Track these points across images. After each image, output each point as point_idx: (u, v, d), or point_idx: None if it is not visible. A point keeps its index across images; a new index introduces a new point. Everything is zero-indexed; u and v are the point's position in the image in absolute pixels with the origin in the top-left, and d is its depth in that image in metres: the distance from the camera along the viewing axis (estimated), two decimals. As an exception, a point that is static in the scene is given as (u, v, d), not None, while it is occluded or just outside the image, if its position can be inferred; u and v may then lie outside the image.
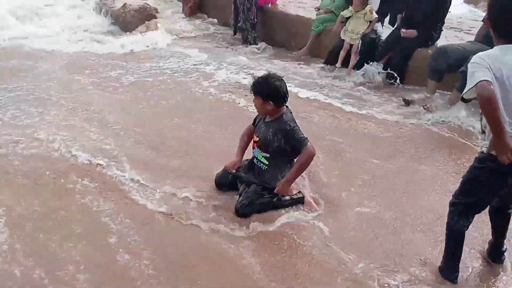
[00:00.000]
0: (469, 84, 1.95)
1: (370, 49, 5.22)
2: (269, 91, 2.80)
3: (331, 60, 5.55)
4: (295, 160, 2.96)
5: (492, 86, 1.90)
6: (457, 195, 2.31)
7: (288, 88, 2.93)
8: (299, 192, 3.02)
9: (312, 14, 6.21)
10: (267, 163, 2.94)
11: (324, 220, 2.87)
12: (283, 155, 2.93)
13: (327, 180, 3.32)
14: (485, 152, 2.11)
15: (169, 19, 7.65)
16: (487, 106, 1.90)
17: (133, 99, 4.65)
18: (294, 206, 2.94)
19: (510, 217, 2.43)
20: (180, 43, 6.64)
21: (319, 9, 6.10)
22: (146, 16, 7.22)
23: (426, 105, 4.37)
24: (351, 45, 5.33)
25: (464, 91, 1.99)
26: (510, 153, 1.93)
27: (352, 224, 2.88)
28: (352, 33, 5.28)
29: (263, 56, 6.16)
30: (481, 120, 2.15)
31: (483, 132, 2.17)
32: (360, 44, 5.24)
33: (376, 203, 3.10)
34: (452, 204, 2.34)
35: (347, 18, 5.37)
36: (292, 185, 3.02)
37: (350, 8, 5.30)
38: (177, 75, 5.34)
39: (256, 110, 3.01)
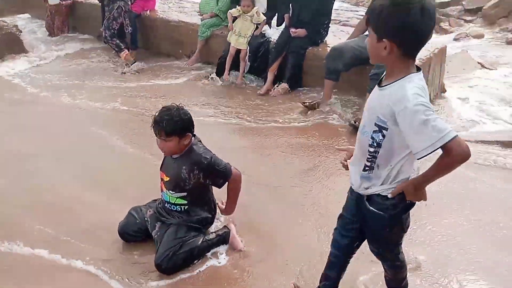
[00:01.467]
0: (435, 140, 1.49)
1: (260, 54, 5.08)
2: (184, 124, 2.44)
3: (222, 71, 5.28)
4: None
5: None
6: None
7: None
8: (225, 226, 2.72)
9: (196, 19, 5.88)
10: (185, 202, 2.58)
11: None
12: (203, 188, 2.61)
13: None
14: (389, 196, 1.74)
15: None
16: (458, 165, 1.57)
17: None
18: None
19: None
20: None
21: (202, 15, 5.80)
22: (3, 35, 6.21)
23: (356, 121, 4.00)
24: (238, 51, 5.12)
25: (427, 150, 1.51)
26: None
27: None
28: (239, 36, 5.07)
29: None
30: (374, 159, 1.71)
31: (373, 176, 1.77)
32: (248, 50, 5.07)
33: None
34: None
35: (235, 19, 5.15)
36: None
37: (238, 7, 5.09)
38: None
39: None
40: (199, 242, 2.55)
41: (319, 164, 3.61)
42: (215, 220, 2.78)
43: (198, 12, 6.13)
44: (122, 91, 5.08)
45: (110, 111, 4.59)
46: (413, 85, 1.55)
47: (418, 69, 1.63)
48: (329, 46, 4.79)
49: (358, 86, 4.47)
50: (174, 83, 5.32)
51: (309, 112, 4.41)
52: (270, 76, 4.92)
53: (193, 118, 2.54)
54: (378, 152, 1.67)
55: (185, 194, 2.56)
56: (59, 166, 3.57)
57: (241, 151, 3.82)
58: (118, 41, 5.84)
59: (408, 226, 1.86)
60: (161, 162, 2.69)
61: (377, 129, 1.64)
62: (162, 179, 2.62)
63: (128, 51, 5.85)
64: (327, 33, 4.89)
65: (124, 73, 5.59)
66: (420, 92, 1.54)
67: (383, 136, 1.63)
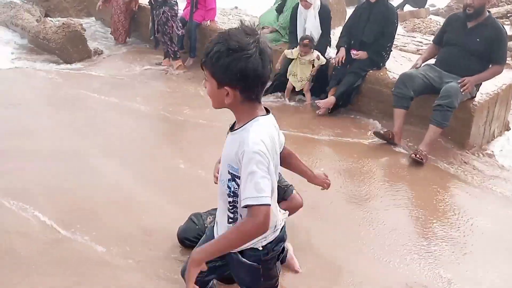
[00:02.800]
0: (251, 195, 1.40)
1: (320, 74, 5.05)
2: None
3: (271, 92, 5.26)
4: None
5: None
6: None
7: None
8: (281, 245, 2.68)
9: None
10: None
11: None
12: None
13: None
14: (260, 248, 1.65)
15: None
16: (255, 233, 1.45)
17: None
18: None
19: None
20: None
21: (263, 28, 5.85)
22: (70, 33, 6.48)
23: (418, 155, 3.85)
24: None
25: (246, 202, 1.41)
26: None
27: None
28: (302, 80, 5.01)
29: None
30: (235, 209, 1.60)
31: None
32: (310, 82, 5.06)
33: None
34: None
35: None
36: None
37: (296, 49, 4.97)
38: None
39: None
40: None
41: (376, 192, 3.53)
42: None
43: (257, 26, 6.20)
44: (174, 97, 5.20)
45: (166, 116, 4.70)
46: (256, 130, 1.46)
47: (268, 111, 1.58)
48: (390, 71, 4.73)
49: (421, 117, 4.32)
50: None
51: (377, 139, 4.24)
52: (330, 99, 4.82)
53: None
54: (237, 202, 1.54)
55: None
56: (121, 166, 3.66)
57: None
58: (176, 49, 6.05)
59: (275, 276, 1.79)
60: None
61: (231, 177, 1.53)
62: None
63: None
64: (388, 57, 4.81)
65: (167, 73, 5.96)
66: (261, 140, 1.43)
67: (237, 184, 1.50)
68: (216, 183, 2.61)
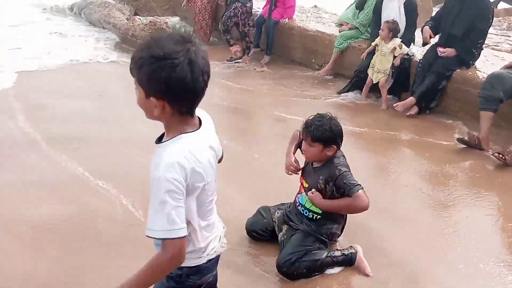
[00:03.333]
0: (163, 228, 1.27)
1: (401, 71, 4.80)
2: (332, 135, 2.39)
3: (349, 89, 5.14)
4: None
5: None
6: None
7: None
8: (351, 247, 2.59)
9: (333, 30, 5.84)
10: (319, 212, 2.50)
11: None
12: None
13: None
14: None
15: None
16: (170, 269, 1.37)
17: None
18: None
19: None
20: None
21: (341, 25, 5.73)
22: (155, 31, 6.83)
23: (501, 155, 3.61)
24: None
25: (154, 234, 1.29)
26: None
27: None
28: (379, 72, 4.81)
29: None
30: None
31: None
32: (389, 78, 4.83)
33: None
34: None
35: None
36: (341, 238, 2.63)
37: (378, 38, 4.81)
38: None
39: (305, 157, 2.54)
40: (324, 255, 2.45)
41: (458, 198, 3.28)
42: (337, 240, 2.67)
43: (335, 23, 6.09)
44: (250, 93, 5.25)
45: (242, 110, 4.77)
46: (173, 151, 1.28)
47: (201, 122, 1.39)
48: (479, 70, 4.39)
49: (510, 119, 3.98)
50: (301, 92, 5.33)
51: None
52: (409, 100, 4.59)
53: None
54: None
55: None
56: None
57: (372, 171, 3.67)
58: (228, 37, 6.22)
59: None
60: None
61: None
62: (302, 184, 2.60)
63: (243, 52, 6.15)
64: (479, 55, 4.46)
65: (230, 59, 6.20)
66: (176, 163, 1.26)
67: None
68: (288, 174, 2.60)
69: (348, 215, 2.61)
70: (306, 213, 2.54)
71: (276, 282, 2.42)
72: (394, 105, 4.61)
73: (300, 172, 2.62)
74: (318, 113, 2.46)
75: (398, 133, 4.32)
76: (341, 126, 2.45)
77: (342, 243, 2.68)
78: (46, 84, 5.32)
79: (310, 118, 2.44)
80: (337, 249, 2.54)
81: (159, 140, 1.38)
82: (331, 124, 2.38)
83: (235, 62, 6.24)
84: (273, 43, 6.23)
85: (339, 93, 5.16)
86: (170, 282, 1.48)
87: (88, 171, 3.37)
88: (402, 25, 4.80)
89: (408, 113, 4.56)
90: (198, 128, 1.36)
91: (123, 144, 3.91)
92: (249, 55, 6.30)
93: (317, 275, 2.45)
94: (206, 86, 1.32)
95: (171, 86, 1.24)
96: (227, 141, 4.03)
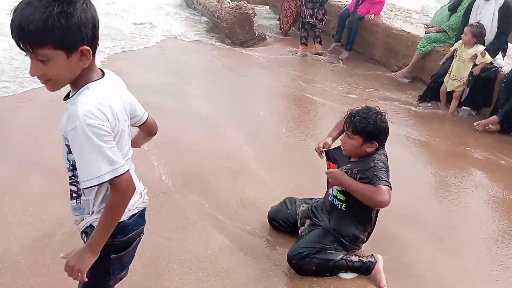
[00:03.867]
0: (104, 172, 1.28)
1: (483, 83, 4.34)
2: (375, 130, 2.24)
3: (427, 97, 4.77)
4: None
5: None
6: None
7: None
8: (372, 255, 2.43)
9: (420, 31, 5.46)
10: (343, 199, 2.36)
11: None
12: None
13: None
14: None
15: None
16: (126, 204, 1.37)
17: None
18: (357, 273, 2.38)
19: None
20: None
21: (429, 27, 5.33)
22: (240, 15, 6.94)
23: None
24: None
25: (92, 182, 1.28)
26: None
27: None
28: (455, 79, 4.41)
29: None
30: (77, 184, 1.41)
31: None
32: (467, 89, 4.41)
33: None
34: None
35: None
36: (365, 245, 2.51)
37: (459, 41, 4.41)
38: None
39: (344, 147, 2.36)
40: (338, 257, 2.33)
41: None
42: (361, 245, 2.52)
43: (425, 25, 5.69)
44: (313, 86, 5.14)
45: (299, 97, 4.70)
46: (87, 100, 1.26)
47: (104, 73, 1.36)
48: None
49: None
50: (371, 92, 5.08)
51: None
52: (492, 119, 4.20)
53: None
54: (77, 176, 1.34)
55: (343, 189, 2.33)
56: (245, 136, 3.83)
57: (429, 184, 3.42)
58: (303, 33, 6.10)
59: (121, 272, 1.54)
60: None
61: (68, 149, 1.35)
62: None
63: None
64: None
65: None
66: (95, 110, 1.24)
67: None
68: (317, 151, 2.51)
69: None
70: (334, 201, 2.41)
71: (284, 274, 2.37)
72: (475, 124, 4.25)
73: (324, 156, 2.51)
74: (366, 105, 2.32)
75: (469, 148, 3.96)
76: (387, 123, 2.28)
77: (365, 250, 2.54)
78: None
79: (356, 108, 2.29)
80: (356, 254, 2.41)
81: (67, 97, 1.35)
82: (377, 119, 2.23)
83: (316, 54, 6.14)
84: (355, 39, 6.00)
85: (419, 101, 4.80)
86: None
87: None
88: (493, 31, 4.34)
89: (487, 127, 4.15)
90: (103, 77, 1.35)
91: (180, 117, 4.07)
92: (320, 43, 6.13)
93: (328, 276, 2.35)
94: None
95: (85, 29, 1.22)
96: (282, 129, 4.02)
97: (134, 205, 1.50)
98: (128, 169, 1.32)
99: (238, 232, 2.66)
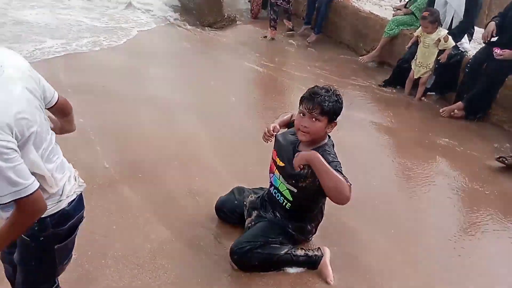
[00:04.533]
0: (7, 192, 1.18)
1: (449, 68, 4.24)
2: (340, 108, 2.09)
3: (391, 82, 4.67)
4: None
5: None
6: None
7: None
8: (318, 248, 2.32)
9: (388, 14, 5.33)
10: (291, 199, 2.23)
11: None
12: (315, 196, 2.22)
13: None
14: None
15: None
16: (32, 222, 1.28)
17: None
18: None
19: None
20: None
21: (397, 9, 5.20)
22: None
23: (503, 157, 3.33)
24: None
25: None
26: None
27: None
28: (421, 66, 4.31)
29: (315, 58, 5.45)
30: None
31: None
32: (432, 74, 4.33)
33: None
34: None
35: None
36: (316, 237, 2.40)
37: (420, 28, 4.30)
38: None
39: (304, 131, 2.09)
40: (283, 252, 2.21)
41: (478, 225, 2.86)
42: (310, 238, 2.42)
43: (394, 7, 5.55)
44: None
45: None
46: None
47: None
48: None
49: None
50: (339, 79, 4.95)
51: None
52: (456, 105, 4.14)
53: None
54: None
55: (295, 190, 2.20)
56: (200, 122, 3.66)
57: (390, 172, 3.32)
58: (272, 15, 5.92)
59: (66, 260, 1.52)
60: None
61: None
62: (274, 160, 2.30)
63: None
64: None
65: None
66: None
67: None
68: (266, 136, 2.33)
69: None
70: (277, 196, 2.29)
71: (226, 270, 2.23)
72: (441, 110, 4.18)
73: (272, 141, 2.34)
74: (317, 86, 2.13)
75: (432, 135, 3.88)
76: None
77: (314, 242, 2.43)
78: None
79: (314, 88, 2.10)
80: (301, 248, 2.29)
81: None
82: (339, 97, 2.08)
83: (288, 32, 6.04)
84: (323, 22, 5.84)
85: (382, 86, 4.71)
86: (37, 242, 1.38)
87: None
88: (460, 14, 4.23)
89: (453, 113, 4.09)
90: None
91: (134, 102, 3.87)
92: (289, 19, 6.04)
93: (273, 271, 2.23)
94: None
95: None
96: (243, 115, 3.87)
97: (71, 191, 1.43)
98: (38, 188, 1.20)
99: (183, 225, 2.51)
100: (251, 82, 4.73)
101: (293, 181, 2.19)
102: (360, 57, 5.27)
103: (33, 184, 1.19)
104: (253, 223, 2.36)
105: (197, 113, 3.81)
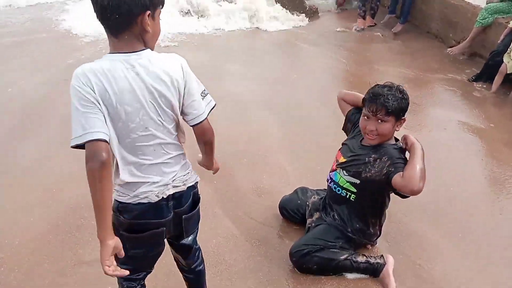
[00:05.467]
0: (78, 134, 1.26)
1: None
2: (407, 105, 2.04)
3: (483, 76, 4.30)
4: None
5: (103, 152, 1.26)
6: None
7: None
8: (381, 256, 2.26)
9: (482, 1, 4.88)
10: (354, 191, 2.18)
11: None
12: (379, 191, 2.15)
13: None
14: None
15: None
16: (90, 175, 1.26)
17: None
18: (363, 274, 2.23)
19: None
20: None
21: (492, -3, 4.75)
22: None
23: None
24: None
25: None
26: None
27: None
28: None
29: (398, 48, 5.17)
30: None
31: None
32: None
33: None
34: None
35: None
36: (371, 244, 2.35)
37: None
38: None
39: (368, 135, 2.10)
40: (342, 257, 2.19)
41: None
42: (374, 241, 2.36)
43: (490, -7, 5.07)
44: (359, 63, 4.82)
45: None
46: (86, 66, 1.29)
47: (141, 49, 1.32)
48: None
49: None
50: (423, 74, 4.65)
51: None
52: None
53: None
54: None
55: (357, 181, 2.16)
56: (273, 119, 3.73)
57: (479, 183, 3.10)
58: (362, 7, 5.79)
59: (137, 256, 1.54)
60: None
61: None
62: (336, 160, 2.30)
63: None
64: None
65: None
66: (83, 73, 1.27)
67: None
68: None
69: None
70: (339, 191, 2.26)
71: (287, 269, 2.27)
72: None
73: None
74: (378, 84, 2.09)
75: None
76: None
77: (378, 248, 2.37)
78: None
79: (375, 88, 2.06)
80: (363, 254, 2.25)
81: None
82: (404, 93, 2.04)
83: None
84: (409, 11, 5.53)
85: (471, 80, 4.36)
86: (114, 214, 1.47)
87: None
88: None
89: None
90: (128, 53, 1.31)
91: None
92: (373, 16, 5.77)
93: (332, 275, 2.22)
94: (113, 12, 1.25)
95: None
96: (319, 113, 3.84)
97: (144, 194, 1.44)
98: (98, 139, 1.26)
99: (248, 222, 2.60)
100: (334, 78, 4.62)
101: (355, 173, 2.15)
102: (448, 49, 4.93)
103: (97, 133, 1.26)
104: (313, 224, 2.36)
105: (270, 110, 3.85)
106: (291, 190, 2.66)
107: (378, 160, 2.07)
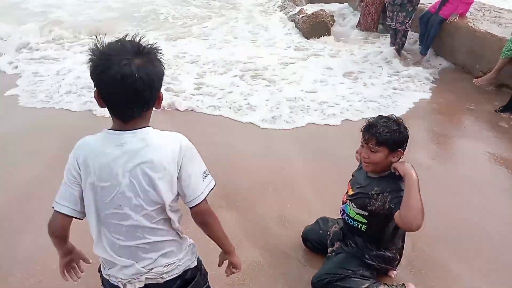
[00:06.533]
0: None
1: None
2: (400, 138, 2.08)
3: (511, 107, 4.29)
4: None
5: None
6: None
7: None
8: (402, 284, 2.27)
9: (508, 33, 4.90)
10: (365, 221, 2.25)
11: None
12: (384, 222, 2.20)
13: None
14: None
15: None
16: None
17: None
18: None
19: None
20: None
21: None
22: (317, 23, 6.89)
23: None
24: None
25: None
26: None
27: None
28: None
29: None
30: None
31: None
32: None
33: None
34: None
35: None
36: (393, 272, 2.35)
37: None
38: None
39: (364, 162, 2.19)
40: (363, 286, 2.21)
41: None
42: (395, 266, 2.37)
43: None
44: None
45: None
46: (85, 138, 1.39)
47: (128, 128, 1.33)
48: None
49: None
50: (452, 103, 4.66)
51: None
52: None
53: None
54: None
55: (366, 213, 2.22)
56: (299, 148, 3.80)
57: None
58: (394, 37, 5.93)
59: None
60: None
61: None
62: (347, 192, 2.37)
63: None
64: None
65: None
66: (76, 148, 1.37)
67: None
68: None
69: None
70: (351, 222, 2.31)
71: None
72: None
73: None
74: (380, 115, 2.17)
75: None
76: (409, 130, 2.12)
77: (400, 276, 2.38)
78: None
79: (373, 119, 2.15)
80: (384, 283, 2.27)
81: None
82: (401, 126, 2.09)
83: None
84: (431, 43, 5.60)
85: (499, 111, 4.35)
86: None
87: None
88: None
89: None
90: (124, 131, 1.32)
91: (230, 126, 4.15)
92: (399, 53, 5.86)
93: (353, 305, 2.24)
94: (132, 102, 1.27)
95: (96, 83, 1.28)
96: (344, 141, 3.91)
97: (112, 276, 1.45)
98: (60, 212, 1.38)
99: (272, 250, 2.66)
100: (357, 109, 4.71)
101: (362, 205, 2.22)
102: (474, 79, 4.93)
103: (61, 206, 1.38)
104: (333, 253, 2.41)
105: (296, 139, 3.95)
106: (313, 219, 2.70)
107: (380, 194, 2.13)
